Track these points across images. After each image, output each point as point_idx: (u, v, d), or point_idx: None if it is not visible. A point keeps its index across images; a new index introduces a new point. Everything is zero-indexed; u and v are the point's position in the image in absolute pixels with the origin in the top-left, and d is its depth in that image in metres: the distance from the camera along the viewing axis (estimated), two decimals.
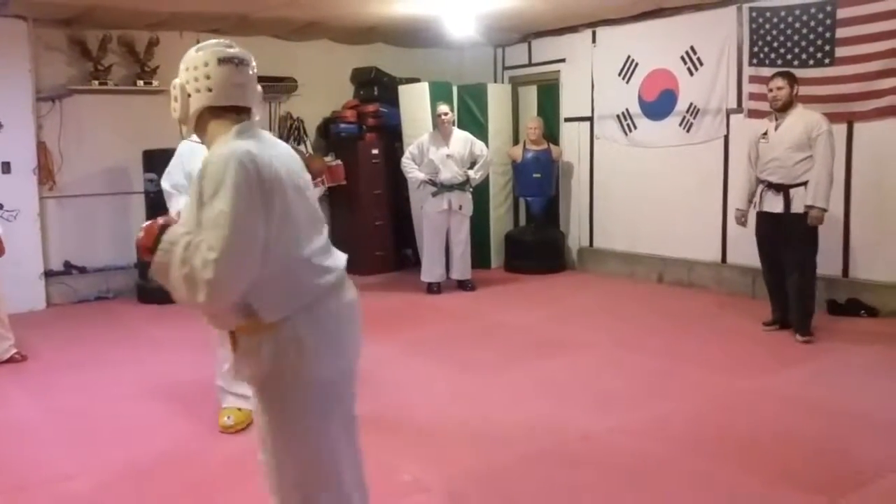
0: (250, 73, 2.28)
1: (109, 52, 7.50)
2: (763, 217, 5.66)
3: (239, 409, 4.12)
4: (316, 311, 2.17)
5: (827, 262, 6.21)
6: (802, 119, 5.40)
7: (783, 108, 5.45)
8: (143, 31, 7.56)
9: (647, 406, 4.35)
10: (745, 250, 6.16)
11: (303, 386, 2.17)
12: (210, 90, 2.20)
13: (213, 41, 2.29)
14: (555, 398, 4.50)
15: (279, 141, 2.33)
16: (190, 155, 3.95)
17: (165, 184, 4.24)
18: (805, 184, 5.36)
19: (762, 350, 5.38)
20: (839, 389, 4.56)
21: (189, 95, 2.22)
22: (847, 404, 4.29)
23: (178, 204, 3.97)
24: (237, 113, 2.24)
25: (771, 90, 5.50)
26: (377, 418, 4.24)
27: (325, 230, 2.27)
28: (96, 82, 7.39)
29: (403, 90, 8.60)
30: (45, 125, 7.31)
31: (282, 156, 2.20)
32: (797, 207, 5.40)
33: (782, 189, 5.45)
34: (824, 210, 5.34)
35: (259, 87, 2.33)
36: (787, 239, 5.50)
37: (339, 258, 2.30)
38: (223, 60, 2.21)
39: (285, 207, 2.10)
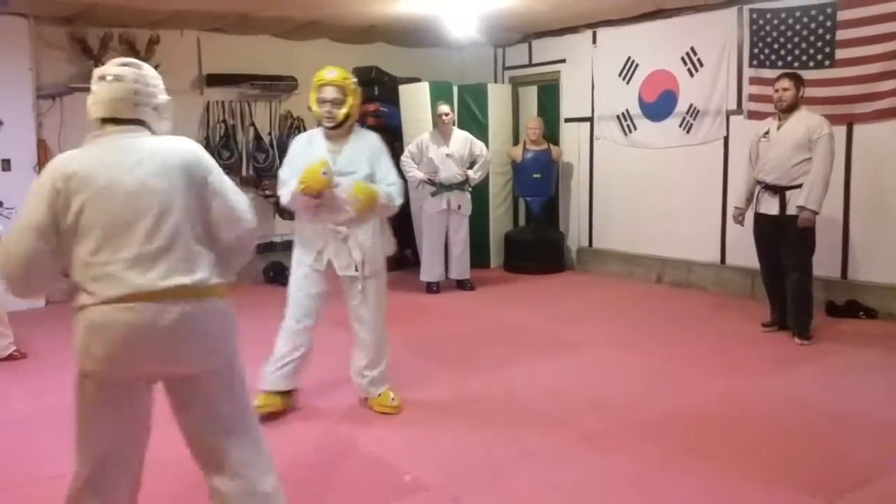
0: (124, 86, 2.50)
1: (110, 50, 7.48)
2: (760, 218, 5.66)
3: (266, 394, 4.18)
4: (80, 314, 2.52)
5: (826, 264, 6.23)
6: (804, 121, 5.40)
7: (787, 110, 5.45)
8: (144, 29, 7.56)
9: (646, 407, 4.35)
10: (745, 251, 6.17)
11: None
12: (93, 104, 2.56)
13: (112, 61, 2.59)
14: (553, 398, 4.51)
15: (139, 146, 2.49)
16: None
17: None
18: (801, 186, 5.37)
19: (761, 351, 5.39)
20: (838, 391, 4.57)
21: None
22: (845, 405, 4.30)
23: None
24: (111, 123, 2.54)
25: (777, 90, 5.49)
26: (375, 416, 4.25)
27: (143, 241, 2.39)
28: None
29: (404, 90, 8.60)
30: (46, 123, 7.31)
31: (103, 162, 2.46)
32: (793, 209, 5.40)
33: (779, 190, 5.46)
34: (815, 212, 5.34)
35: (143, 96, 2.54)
36: (783, 241, 5.50)
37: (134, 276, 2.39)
38: (97, 79, 2.53)
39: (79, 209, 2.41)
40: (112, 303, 2.40)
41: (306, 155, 4.10)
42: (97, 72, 2.55)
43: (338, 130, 4.15)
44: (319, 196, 3.94)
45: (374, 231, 4.17)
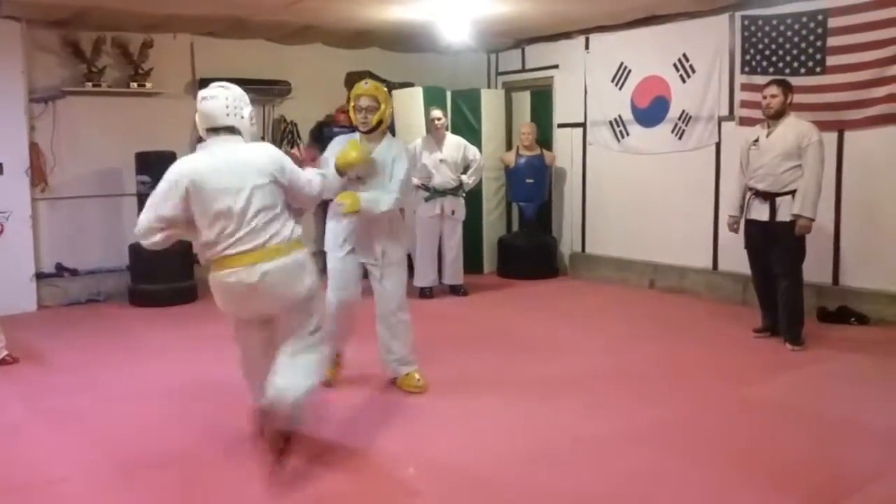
0: (217, 103, 3.57)
1: (103, 53, 7.48)
2: (750, 225, 5.68)
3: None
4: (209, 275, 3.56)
5: (817, 270, 6.26)
6: (794, 128, 5.42)
7: (775, 117, 5.47)
8: (137, 33, 7.55)
9: (639, 412, 4.36)
10: (737, 257, 6.19)
11: None
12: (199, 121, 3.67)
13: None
14: (546, 403, 4.51)
15: (229, 150, 3.54)
16: None
17: None
18: (792, 192, 5.37)
19: (753, 357, 5.40)
20: (829, 396, 4.59)
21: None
22: (837, 411, 4.32)
23: None
24: (212, 132, 3.60)
25: (765, 97, 5.51)
26: (370, 419, 4.25)
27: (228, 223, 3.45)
28: (90, 84, 7.37)
29: (397, 95, 8.59)
30: (38, 126, 7.29)
31: (208, 163, 3.52)
32: (783, 216, 5.42)
33: (769, 197, 5.48)
34: (811, 219, 5.36)
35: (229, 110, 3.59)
36: (774, 247, 5.52)
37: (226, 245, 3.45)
38: (200, 100, 3.62)
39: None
40: (223, 269, 3.46)
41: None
42: (200, 94, 3.64)
43: (371, 135, 4.65)
44: (354, 167, 4.45)
45: (390, 227, 4.71)
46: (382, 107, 4.58)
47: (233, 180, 3.43)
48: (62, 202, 7.49)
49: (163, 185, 3.51)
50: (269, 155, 3.59)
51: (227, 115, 3.54)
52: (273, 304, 3.53)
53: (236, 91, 3.60)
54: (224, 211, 3.40)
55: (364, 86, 4.63)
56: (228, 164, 3.47)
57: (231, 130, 3.54)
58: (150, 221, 3.50)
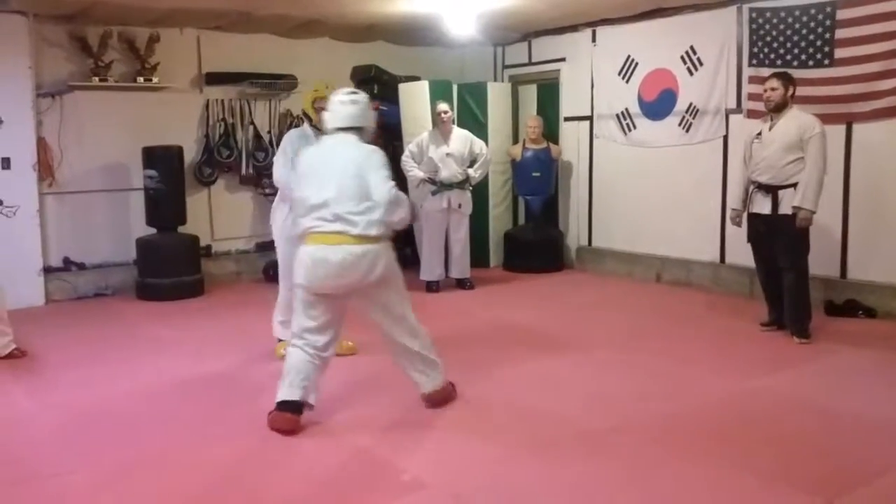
0: (354, 108, 4.09)
1: (110, 48, 7.50)
2: (753, 218, 5.66)
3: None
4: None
5: (825, 263, 6.24)
6: (796, 120, 5.39)
7: (777, 110, 5.45)
8: (144, 27, 7.56)
9: (645, 406, 4.36)
10: (744, 250, 6.17)
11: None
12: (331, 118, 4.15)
13: (342, 90, 4.22)
14: (553, 397, 4.51)
15: (335, 142, 4.11)
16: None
17: None
18: (794, 185, 5.35)
19: (759, 351, 5.39)
20: (836, 390, 4.57)
21: (329, 120, 4.15)
22: (844, 405, 4.31)
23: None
24: (341, 131, 4.10)
25: (765, 90, 5.49)
26: (376, 416, 4.26)
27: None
28: (96, 79, 7.38)
29: (403, 88, 8.60)
30: (46, 121, 7.31)
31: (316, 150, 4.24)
32: (785, 209, 5.39)
33: (771, 190, 5.45)
34: (812, 212, 5.34)
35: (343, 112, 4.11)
36: (777, 240, 5.50)
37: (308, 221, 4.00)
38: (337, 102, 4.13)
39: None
40: (313, 244, 3.95)
41: (300, 145, 4.91)
42: (336, 97, 4.11)
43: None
44: None
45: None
46: None
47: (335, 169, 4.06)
48: (69, 197, 7.51)
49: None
50: (368, 153, 4.13)
51: (356, 119, 4.09)
52: None
53: (365, 99, 4.18)
54: (323, 195, 4.02)
55: (326, 90, 4.97)
56: (336, 154, 4.09)
57: (356, 131, 4.09)
58: None
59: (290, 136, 5.27)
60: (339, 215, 3.86)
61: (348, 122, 4.06)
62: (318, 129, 4.97)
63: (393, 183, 3.98)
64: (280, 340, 5.19)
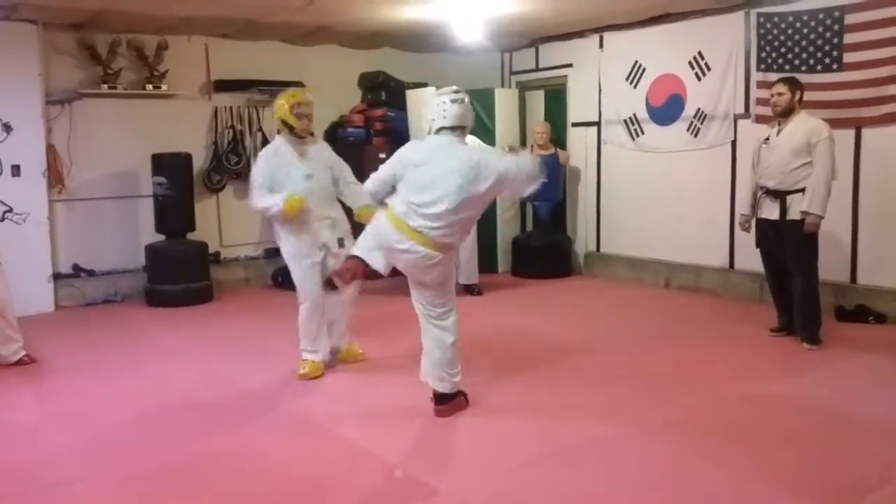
0: (466, 108, 4.17)
1: (119, 56, 7.54)
2: (761, 223, 5.64)
3: (312, 362, 5.04)
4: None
5: (835, 268, 6.21)
6: (804, 125, 5.38)
7: (784, 115, 5.44)
8: (153, 35, 7.61)
9: (654, 411, 4.34)
10: (753, 256, 6.14)
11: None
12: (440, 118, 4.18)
13: (446, 89, 4.25)
14: (562, 403, 4.50)
15: (438, 141, 4.15)
16: None
17: None
18: (802, 190, 5.33)
19: (769, 356, 5.36)
20: (846, 396, 4.55)
21: (433, 120, 4.17)
22: (854, 411, 4.28)
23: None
24: (448, 130, 4.17)
25: (772, 96, 5.49)
26: (383, 420, 4.25)
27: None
28: (105, 86, 7.43)
29: (411, 94, 8.61)
30: (55, 129, 7.35)
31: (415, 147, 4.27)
32: (793, 214, 5.37)
33: (779, 195, 5.43)
34: (821, 217, 5.32)
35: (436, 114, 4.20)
36: (786, 246, 5.48)
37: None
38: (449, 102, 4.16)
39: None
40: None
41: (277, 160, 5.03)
42: (450, 96, 4.14)
43: (309, 138, 5.14)
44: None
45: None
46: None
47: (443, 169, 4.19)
48: (79, 203, 7.54)
49: None
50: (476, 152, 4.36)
51: (465, 118, 4.18)
52: None
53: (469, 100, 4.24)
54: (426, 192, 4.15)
55: (304, 94, 5.07)
56: (445, 153, 4.18)
57: (463, 130, 4.19)
58: None
59: (265, 157, 5.07)
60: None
61: (459, 121, 4.14)
62: (300, 137, 5.04)
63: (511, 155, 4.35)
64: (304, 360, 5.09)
